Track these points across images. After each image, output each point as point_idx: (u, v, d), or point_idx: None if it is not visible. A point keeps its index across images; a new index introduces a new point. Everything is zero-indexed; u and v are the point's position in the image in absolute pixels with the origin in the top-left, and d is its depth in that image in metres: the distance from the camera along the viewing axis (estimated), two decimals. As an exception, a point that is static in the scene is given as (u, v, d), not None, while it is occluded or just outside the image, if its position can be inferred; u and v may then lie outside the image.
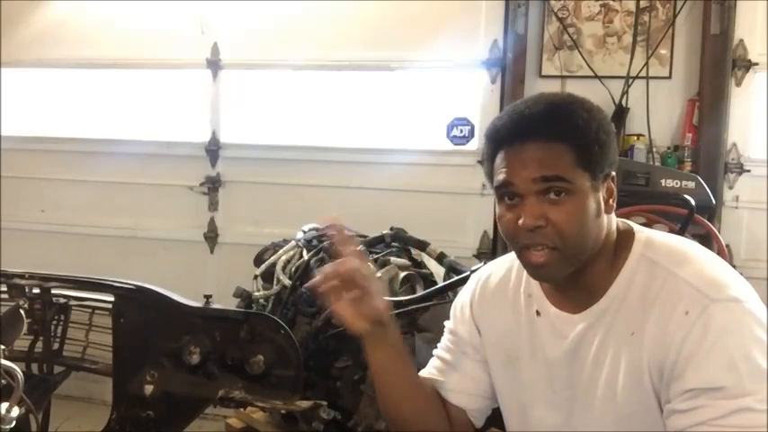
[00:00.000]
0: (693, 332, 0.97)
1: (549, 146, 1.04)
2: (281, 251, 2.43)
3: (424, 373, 1.31)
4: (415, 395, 1.23)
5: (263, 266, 2.42)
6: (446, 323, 1.34)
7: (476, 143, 3.30)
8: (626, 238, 1.12)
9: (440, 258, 2.37)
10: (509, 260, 1.27)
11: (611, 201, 1.10)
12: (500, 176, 1.08)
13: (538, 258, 1.06)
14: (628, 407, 1.06)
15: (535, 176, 1.04)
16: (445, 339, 1.33)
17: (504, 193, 1.08)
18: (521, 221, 1.05)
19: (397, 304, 2.06)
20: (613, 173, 1.10)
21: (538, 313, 1.17)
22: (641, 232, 1.12)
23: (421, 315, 2.11)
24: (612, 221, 1.11)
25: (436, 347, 1.35)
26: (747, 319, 0.98)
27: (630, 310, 1.06)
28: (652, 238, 1.11)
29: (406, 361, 1.22)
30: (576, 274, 1.09)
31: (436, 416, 1.26)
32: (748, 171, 3.11)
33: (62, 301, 2.11)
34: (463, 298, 1.31)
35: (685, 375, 0.98)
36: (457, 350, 1.29)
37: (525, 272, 1.18)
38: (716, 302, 0.98)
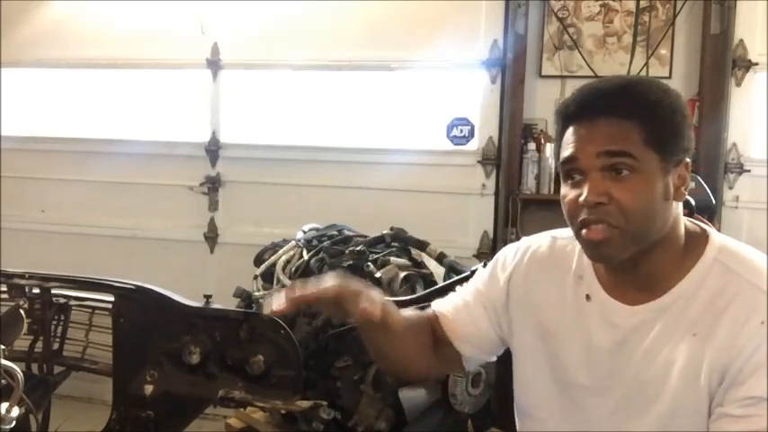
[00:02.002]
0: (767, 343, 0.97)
1: (618, 122, 1.02)
2: (281, 251, 2.43)
3: (441, 304, 1.32)
4: (406, 347, 1.27)
5: (263, 266, 2.43)
6: (482, 269, 1.32)
7: (476, 143, 3.30)
8: (699, 239, 1.10)
9: (440, 258, 2.37)
10: (562, 235, 1.23)
11: (682, 188, 1.07)
12: (566, 152, 1.06)
13: (596, 234, 1.03)
14: (676, 405, 1.04)
15: (600, 151, 1.02)
16: (477, 281, 1.30)
17: (570, 170, 1.06)
18: (582, 198, 1.02)
19: (397, 304, 2.06)
20: (688, 160, 1.07)
21: (588, 297, 1.15)
22: (716, 236, 1.10)
23: (421, 315, 2.10)
24: (679, 213, 1.09)
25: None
26: None
27: (696, 312, 1.04)
28: (727, 245, 1.09)
29: (398, 323, 1.22)
30: (637, 262, 1.07)
31: (425, 356, 1.29)
32: (748, 171, 3.11)
33: (62, 301, 2.11)
34: (509, 259, 1.27)
35: (748, 382, 0.97)
36: (478, 300, 1.27)
37: (576, 252, 1.16)
38: None
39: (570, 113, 1.07)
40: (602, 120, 1.03)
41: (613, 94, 1.05)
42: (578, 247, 1.16)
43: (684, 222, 1.10)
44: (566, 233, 1.18)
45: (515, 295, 1.23)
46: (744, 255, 1.07)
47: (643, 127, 1.02)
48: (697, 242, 1.09)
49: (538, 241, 1.26)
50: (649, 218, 1.03)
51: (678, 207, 1.08)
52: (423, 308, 1.40)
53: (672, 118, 1.04)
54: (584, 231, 1.05)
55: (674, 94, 1.07)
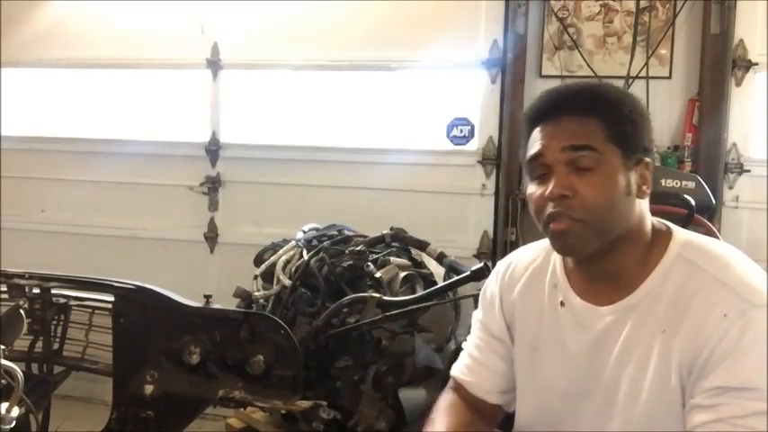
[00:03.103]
0: (730, 333, 0.98)
1: (581, 119, 1.08)
2: (281, 251, 2.43)
3: (456, 372, 1.33)
4: None
5: (263, 266, 2.43)
6: (475, 313, 1.35)
7: (476, 143, 3.30)
8: (662, 236, 1.12)
9: (440, 258, 2.37)
10: (534, 250, 1.27)
11: (644, 187, 1.10)
12: (532, 150, 1.10)
13: (560, 225, 1.06)
14: (651, 405, 1.05)
15: (564, 145, 1.06)
16: (475, 333, 1.33)
17: (535, 167, 1.10)
18: (547, 191, 1.06)
19: (397, 304, 2.06)
20: (648, 160, 1.11)
21: (562, 304, 1.17)
22: (679, 232, 1.13)
23: (421, 315, 2.11)
24: (645, 211, 1.11)
25: (465, 340, 1.36)
26: None
27: (663, 308, 1.06)
28: (691, 240, 1.11)
29: None
30: (605, 260, 1.09)
31: None
32: (748, 171, 3.11)
33: (62, 301, 2.11)
34: (492, 288, 1.31)
35: (715, 373, 0.99)
36: (487, 348, 1.29)
37: (551, 262, 1.18)
38: (756, 308, 0.99)
39: (537, 114, 1.13)
40: (566, 118, 1.09)
41: (576, 95, 1.11)
42: (552, 256, 1.20)
43: (651, 221, 1.13)
44: (538, 246, 1.23)
45: (509, 318, 1.27)
46: (707, 249, 1.10)
47: (605, 123, 1.07)
48: (661, 239, 1.11)
49: (511, 260, 1.30)
50: (612, 212, 1.06)
51: (643, 205, 1.11)
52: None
53: (631, 116, 1.09)
54: (549, 225, 1.08)
55: (633, 97, 1.13)
